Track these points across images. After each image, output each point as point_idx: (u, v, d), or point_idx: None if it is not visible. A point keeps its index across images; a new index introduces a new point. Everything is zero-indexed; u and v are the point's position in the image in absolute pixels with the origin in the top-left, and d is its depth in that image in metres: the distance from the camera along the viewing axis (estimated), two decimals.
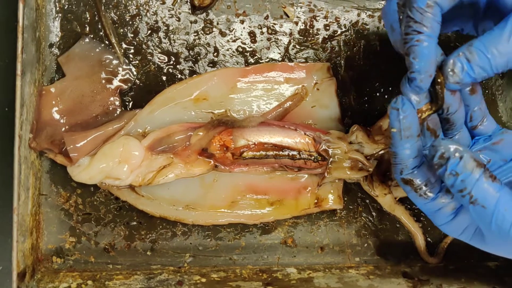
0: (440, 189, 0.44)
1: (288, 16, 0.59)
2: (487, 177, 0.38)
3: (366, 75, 0.60)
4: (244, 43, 0.58)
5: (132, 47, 0.57)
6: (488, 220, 0.39)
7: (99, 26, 0.56)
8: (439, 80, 0.42)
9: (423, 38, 0.39)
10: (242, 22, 0.58)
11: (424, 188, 0.43)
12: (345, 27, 0.59)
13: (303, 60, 0.59)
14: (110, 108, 0.56)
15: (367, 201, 0.60)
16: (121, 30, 0.57)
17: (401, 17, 0.42)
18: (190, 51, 0.58)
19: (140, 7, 0.57)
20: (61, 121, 0.54)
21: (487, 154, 0.48)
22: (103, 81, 0.55)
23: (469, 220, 0.44)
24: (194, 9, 0.57)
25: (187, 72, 0.58)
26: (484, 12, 0.45)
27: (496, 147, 0.48)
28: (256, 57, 0.59)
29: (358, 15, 0.60)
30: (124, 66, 0.56)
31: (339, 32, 0.59)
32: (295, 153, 0.55)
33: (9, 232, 0.51)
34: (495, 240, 0.40)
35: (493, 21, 0.44)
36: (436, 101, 0.43)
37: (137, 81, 0.57)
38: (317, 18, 0.59)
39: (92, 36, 0.56)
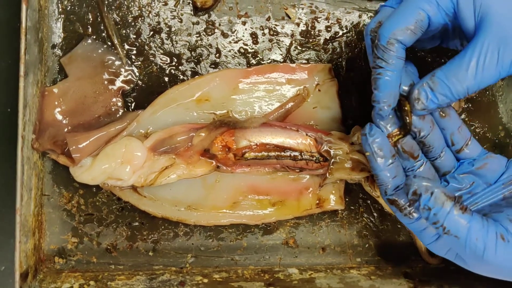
0: None
1: (289, 18, 0.59)
2: (457, 209, 0.41)
3: (368, 76, 0.59)
4: (246, 44, 0.59)
5: (135, 48, 0.57)
6: (463, 248, 0.41)
7: (102, 27, 0.56)
8: (405, 108, 0.46)
9: (384, 72, 0.44)
10: (244, 23, 0.58)
11: (408, 208, 0.46)
12: (346, 28, 0.60)
13: (305, 61, 0.59)
14: (113, 109, 0.56)
15: (369, 201, 0.60)
16: (124, 31, 0.57)
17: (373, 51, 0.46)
18: (192, 52, 0.58)
19: (143, 8, 0.57)
20: (64, 121, 0.55)
21: (471, 178, 0.50)
22: (106, 82, 0.56)
23: None
24: (196, 11, 0.57)
25: (189, 73, 0.58)
26: (452, 34, 0.49)
27: (480, 171, 0.50)
28: (258, 58, 0.59)
29: (360, 16, 0.60)
30: (127, 67, 0.56)
31: (340, 34, 0.60)
32: (296, 154, 0.55)
33: (11, 233, 0.51)
34: (473, 263, 0.42)
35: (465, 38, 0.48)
36: (404, 127, 0.47)
37: (140, 82, 0.57)
38: (318, 19, 0.59)
39: (94, 37, 0.56)
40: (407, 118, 0.46)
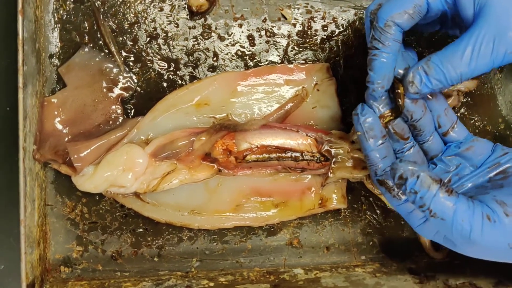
0: None
1: (285, 18, 0.59)
2: (443, 192, 0.41)
3: (366, 73, 0.59)
4: (243, 47, 0.59)
5: (132, 55, 0.57)
6: (449, 230, 0.42)
7: (98, 35, 0.56)
8: (398, 91, 0.47)
9: (379, 54, 0.45)
10: (240, 26, 0.58)
11: (396, 189, 0.46)
12: (342, 27, 0.60)
13: (302, 62, 0.59)
14: (112, 117, 0.56)
15: (371, 199, 0.60)
16: (120, 38, 0.57)
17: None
18: (190, 57, 0.58)
19: (138, 15, 0.57)
20: (64, 131, 0.55)
21: (457, 160, 0.51)
22: (104, 90, 0.56)
23: None
24: (192, 15, 0.57)
25: (187, 77, 0.58)
26: (451, 22, 0.50)
27: (466, 153, 0.50)
28: (256, 60, 0.59)
29: (355, 14, 0.60)
30: (125, 74, 0.56)
31: (337, 32, 0.60)
32: (297, 154, 0.55)
33: (10, 232, 0.52)
34: (461, 244, 0.43)
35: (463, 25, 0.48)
36: (396, 109, 0.48)
37: (138, 89, 0.57)
38: (314, 19, 0.59)
39: (91, 45, 0.56)
40: (400, 100, 0.47)
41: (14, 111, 0.50)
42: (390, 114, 0.48)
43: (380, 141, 0.47)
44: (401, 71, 0.47)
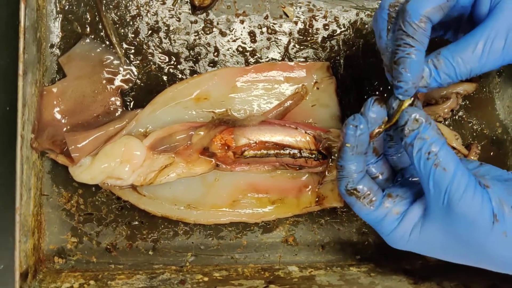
0: (383, 196, 0.46)
1: (287, 16, 0.59)
2: (447, 144, 0.42)
3: (366, 73, 0.60)
4: (244, 43, 0.59)
5: (133, 47, 0.57)
6: (446, 185, 0.41)
7: (100, 26, 0.56)
8: (399, 105, 0.44)
9: (414, 52, 0.42)
10: (242, 22, 0.59)
11: (369, 195, 0.45)
12: (344, 26, 0.60)
13: (303, 60, 0.59)
14: (111, 108, 0.56)
15: None
16: (122, 31, 0.57)
17: (389, 27, 0.44)
18: (191, 51, 0.58)
19: (141, 8, 0.57)
20: (63, 121, 0.55)
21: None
22: (104, 81, 0.56)
23: (417, 214, 0.45)
24: (194, 9, 0.57)
25: (187, 72, 0.58)
26: (467, 20, 0.49)
27: None
28: (256, 56, 0.59)
29: (357, 14, 0.60)
30: (125, 66, 0.56)
31: (338, 32, 0.60)
32: (296, 151, 0.55)
33: (9, 232, 0.51)
34: (440, 214, 0.43)
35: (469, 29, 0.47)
36: (388, 121, 0.45)
37: (138, 81, 0.57)
38: (316, 17, 0.60)
39: (93, 36, 0.56)
40: (397, 113, 0.44)
41: (13, 112, 0.50)
42: (378, 130, 0.45)
43: (363, 157, 0.45)
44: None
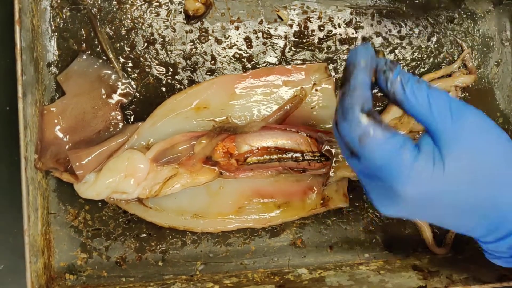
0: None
1: (282, 19, 0.59)
2: None
3: None
4: (241, 49, 0.59)
5: (130, 61, 0.57)
6: (446, 101, 0.41)
7: (96, 42, 0.56)
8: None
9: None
10: (237, 28, 0.58)
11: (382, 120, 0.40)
12: (339, 26, 0.60)
13: (300, 62, 0.59)
14: (112, 123, 0.56)
15: None
16: (118, 45, 0.57)
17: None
18: (188, 61, 0.58)
19: (135, 20, 0.57)
20: (65, 139, 0.55)
21: None
22: (104, 97, 0.56)
23: (430, 142, 0.41)
24: (189, 19, 0.57)
25: (186, 82, 0.58)
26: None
27: None
28: (253, 62, 0.59)
29: (351, 13, 0.60)
30: (123, 80, 0.56)
31: (333, 32, 0.60)
32: (298, 155, 0.55)
33: (9, 231, 0.52)
34: (452, 136, 0.40)
35: None
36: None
37: (137, 94, 0.57)
38: (311, 19, 0.59)
39: (89, 52, 0.56)
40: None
41: (13, 112, 0.49)
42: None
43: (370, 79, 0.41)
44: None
